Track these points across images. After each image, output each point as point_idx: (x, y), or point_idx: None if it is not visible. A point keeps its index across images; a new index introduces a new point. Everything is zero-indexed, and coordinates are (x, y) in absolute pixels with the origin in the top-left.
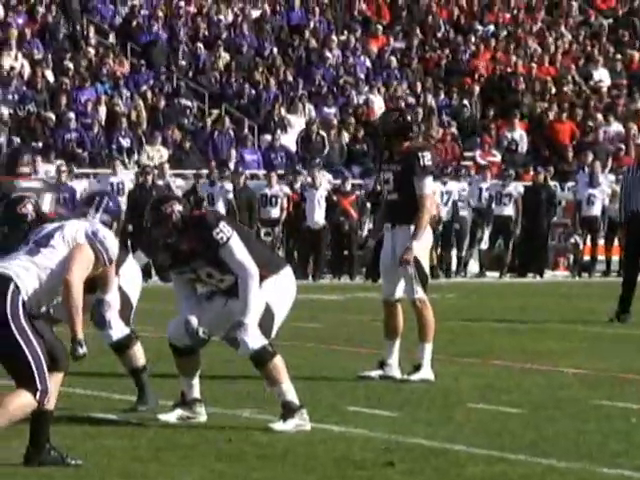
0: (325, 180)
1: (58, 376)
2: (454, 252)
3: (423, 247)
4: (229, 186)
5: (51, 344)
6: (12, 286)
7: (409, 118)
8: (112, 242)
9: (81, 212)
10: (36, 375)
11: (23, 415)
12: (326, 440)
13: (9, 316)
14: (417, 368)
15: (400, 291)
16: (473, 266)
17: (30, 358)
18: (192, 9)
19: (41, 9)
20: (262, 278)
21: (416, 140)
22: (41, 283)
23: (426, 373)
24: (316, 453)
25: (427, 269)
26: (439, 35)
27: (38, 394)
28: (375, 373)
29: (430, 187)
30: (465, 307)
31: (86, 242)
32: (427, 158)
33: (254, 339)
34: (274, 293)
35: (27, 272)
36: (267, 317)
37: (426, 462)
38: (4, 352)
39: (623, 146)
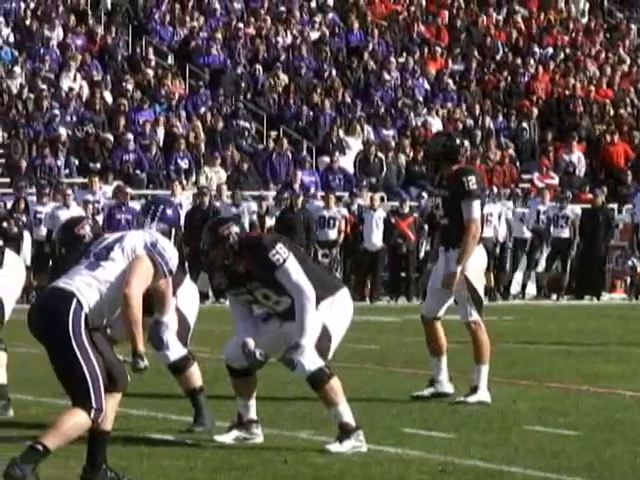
0: (383, 204)
1: (116, 397)
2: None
3: (477, 269)
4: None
5: (111, 363)
6: (75, 302)
7: (457, 142)
8: (172, 253)
9: (138, 223)
10: (92, 393)
11: (77, 434)
12: (382, 462)
13: (71, 333)
14: (474, 390)
15: (442, 311)
16: (531, 288)
17: (87, 376)
18: (251, 31)
19: (100, 30)
20: (319, 300)
21: (464, 164)
22: (102, 297)
23: (483, 395)
24: (372, 475)
25: (481, 291)
26: (497, 58)
27: (93, 412)
28: (427, 392)
29: (477, 211)
30: (522, 329)
31: (145, 253)
32: (472, 182)
33: (311, 361)
34: (331, 314)
35: (89, 287)
36: (324, 339)
37: None
38: (63, 368)
39: None
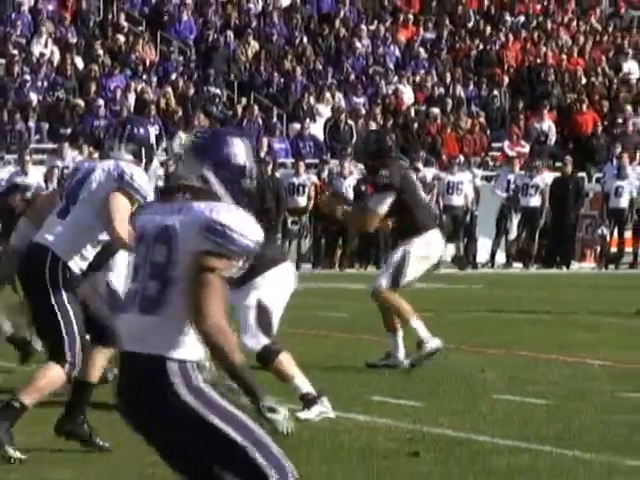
0: (356, 170)
1: (105, 351)
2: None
3: (420, 254)
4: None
5: (100, 317)
6: (50, 256)
7: (388, 141)
8: (140, 178)
9: (107, 147)
10: (67, 349)
11: (52, 388)
12: (351, 430)
13: (48, 286)
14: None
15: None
16: (500, 257)
17: (64, 332)
18: None
19: None
20: (254, 274)
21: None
22: (78, 240)
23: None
24: (341, 442)
25: (407, 274)
26: (469, 26)
27: (67, 367)
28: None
29: (376, 203)
30: (491, 298)
31: (116, 188)
32: (387, 176)
33: (255, 340)
34: (266, 289)
35: (63, 236)
36: (264, 314)
37: (451, 452)
38: (41, 321)
39: None
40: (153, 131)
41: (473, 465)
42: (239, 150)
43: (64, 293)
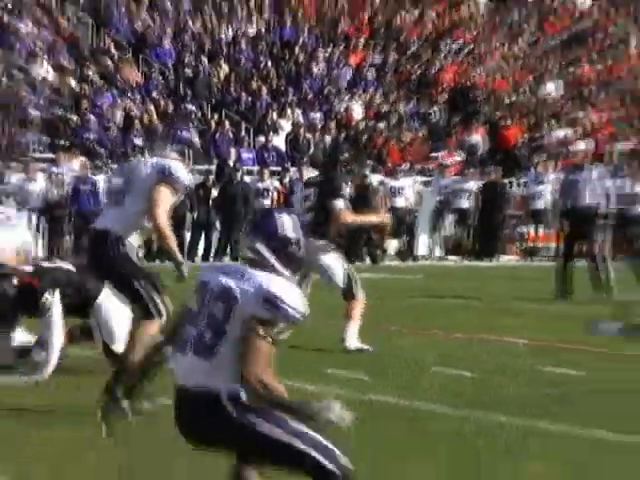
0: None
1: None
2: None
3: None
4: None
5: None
6: (110, 236)
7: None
8: (182, 172)
9: (157, 148)
10: (150, 306)
11: (152, 341)
12: (302, 398)
13: (116, 261)
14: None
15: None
16: (437, 251)
17: (143, 294)
18: (197, 27)
19: (66, 25)
20: None
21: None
22: (132, 223)
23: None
24: None
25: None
26: (411, 51)
27: (156, 319)
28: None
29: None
30: (430, 287)
31: (158, 182)
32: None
33: None
34: None
35: (120, 220)
36: None
37: (392, 418)
38: (123, 292)
39: (568, 149)
40: (195, 135)
41: (410, 429)
42: (286, 224)
43: (129, 263)
